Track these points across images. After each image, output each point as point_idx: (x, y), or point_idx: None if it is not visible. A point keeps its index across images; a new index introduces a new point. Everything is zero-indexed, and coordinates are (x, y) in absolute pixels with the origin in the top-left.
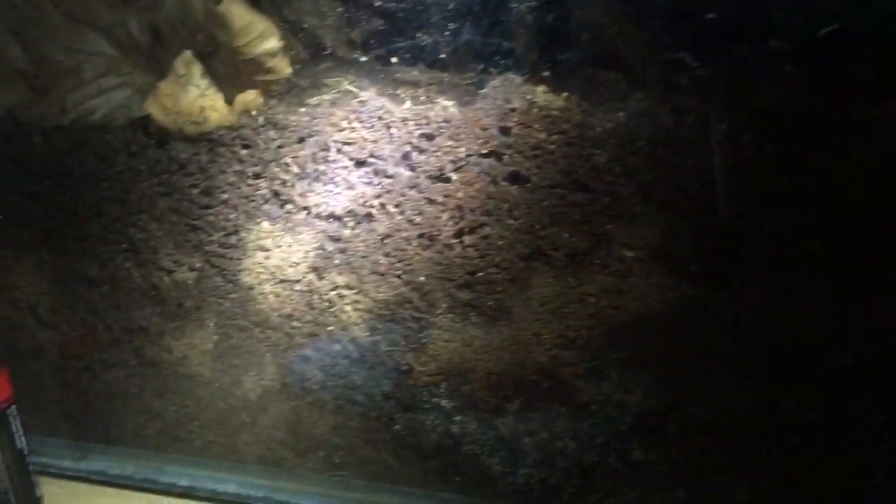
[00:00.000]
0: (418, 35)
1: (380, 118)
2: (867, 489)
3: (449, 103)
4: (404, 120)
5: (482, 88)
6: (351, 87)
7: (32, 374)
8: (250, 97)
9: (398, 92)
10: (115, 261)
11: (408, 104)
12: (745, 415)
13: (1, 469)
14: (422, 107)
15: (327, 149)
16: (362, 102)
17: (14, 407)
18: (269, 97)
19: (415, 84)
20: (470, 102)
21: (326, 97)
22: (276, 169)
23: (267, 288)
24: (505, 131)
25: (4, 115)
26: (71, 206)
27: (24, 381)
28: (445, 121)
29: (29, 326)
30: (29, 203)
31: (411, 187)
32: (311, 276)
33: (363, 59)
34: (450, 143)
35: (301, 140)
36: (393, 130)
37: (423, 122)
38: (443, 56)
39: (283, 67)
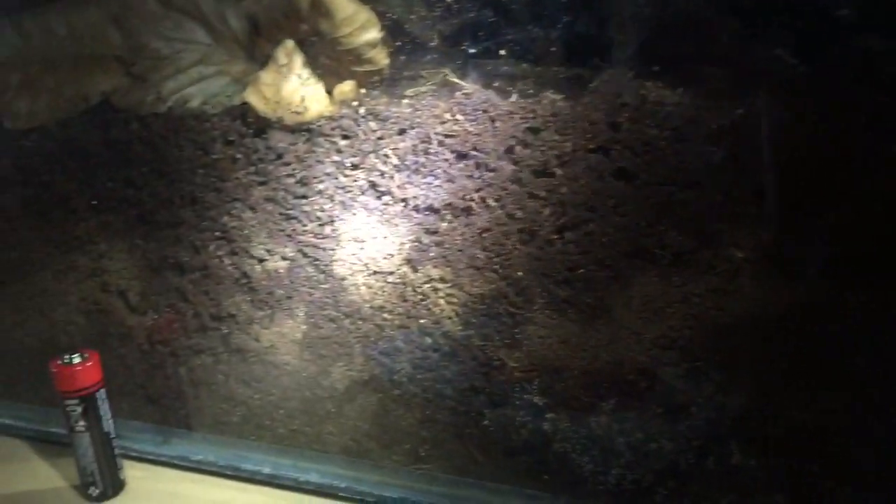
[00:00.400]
0: (527, 28)
1: (484, 111)
2: None
3: (557, 97)
4: (510, 113)
5: (591, 82)
6: (454, 79)
7: (119, 358)
8: (348, 88)
9: (504, 85)
10: (207, 248)
11: (514, 97)
12: (851, 422)
13: (89, 451)
14: (529, 100)
15: (428, 141)
16: (467, 95)
17: (103, 391)
18: (367, 88)
19: (522, 77)
20: (579, 96)
21: (423, 89)
22: (375, 160)
23: (360, 279)
24: (614, 126)
25: (102, 102)
26: (165, 193)
27: (111, 365)
28: (553, 115)
29: (118, 311)
30: (123, 189)
31: (513, 181)
32: (406, 269)
33: (468, 51)
34: (556, 137)
35: (402, 131)
36: (497, 124)
37: (530, 115)
38: (552, 49)
39: (382, 58)
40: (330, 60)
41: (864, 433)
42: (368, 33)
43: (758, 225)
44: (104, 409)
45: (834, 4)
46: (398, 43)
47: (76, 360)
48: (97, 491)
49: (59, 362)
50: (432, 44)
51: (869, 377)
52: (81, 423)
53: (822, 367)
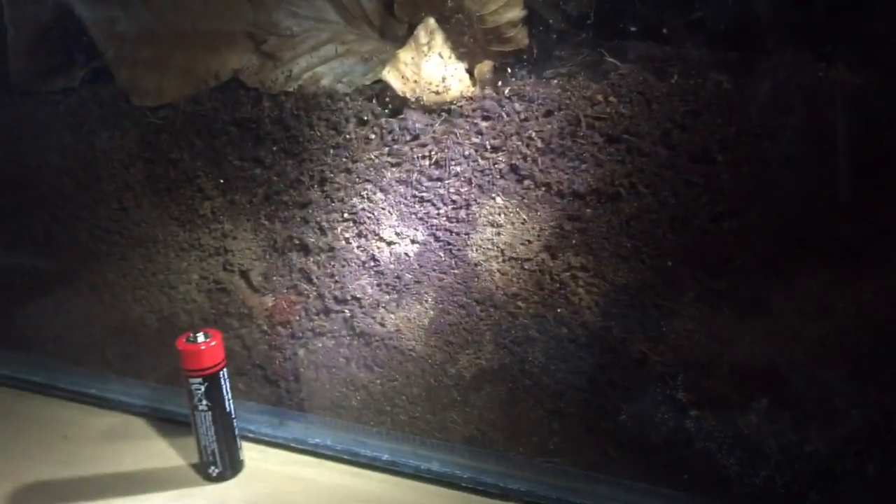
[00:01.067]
0: (693, 6)
1: (640, 93)
2: None
3: (723, 78)
4: (668, 95)
5: (762, 64)
6: (610, 59)
7: (238, 338)
8: (487, 68)
9: (664, 66)
10: (335, 230)
11: (675, 79)
12: None
13: (210, 431)
14: (691, 82)
15: (577, 123)
16: (622, 76)
17: (225, 370)
18: (509, 68)
19: (684, 59)
20: (747, 79)
21: (575, 68)
22: (518, 142)
23: (494, 265)
24: (784, 111)
25: (232, 79)
26: (294, 173)
27: (230, 345)
28: (717, 97)
29: (240, 291)
30: (251, 168)
31: (668, 167)
32: (545, 255)
33: (626, 30)
34: (719, 121)
35: (549, 113)
36: (654, 106)
37: (691, 98)
38: (721, 28)
39: (522, 38)
40: (471, 39)
41: None
42: (511, 11)
43: None
44: (226, 388)
45: None
46: (550, 21)
47: (201, 339)
48: (217, 471)
49: (185, 340)
50: (588, 22)
51: None
52: (204, 402)
53: None
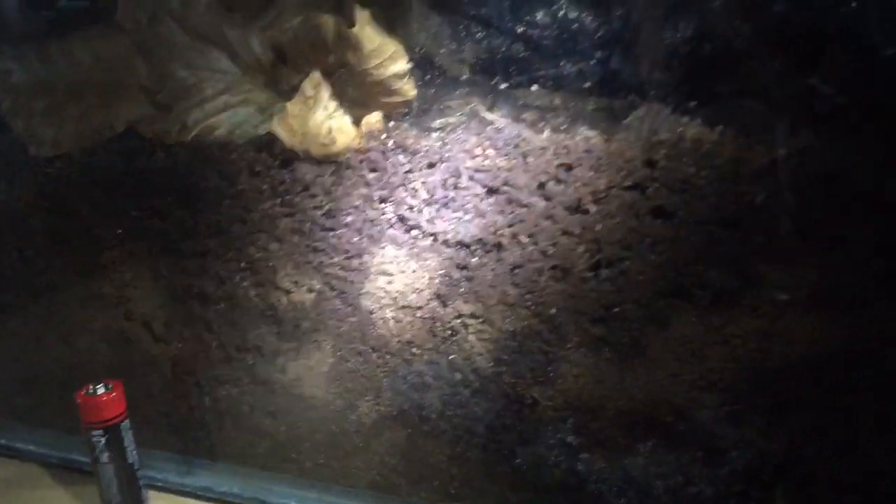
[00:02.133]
0: (560, 62)
1: (516, 146)
2: None
3: (591, 133)
4: (542, 149)
5: (626, 118)
6: (485, 114)
7: (143, 387)
8: (375, 119)
9: (536, 120)
10: (232, 279)
11: (547, 133)
12: None
13: (113, 482)
14: (562, 136)
15: (458, 175)
16: (497, 129)
17: (127, 422)
18: (394, 119)
19: (554, 112)
20: (613, 133)
21: (452, 120)
22: (404, 194)
23: (388, 313)
24: (650, 164)
25: (127, 131)
26: (190, 223)
27: (135, 394)
28: (587, 151)
29: (143, 340)
30: (148, 218)
31: (546, 218)
32: (435, 304)
33: (499, 84)
34: (590, 174)
35: (431, 165)
36: (530, 159)
37: (563, 151)
38: (586, 84)
39: (410, 90)
40: (358, 92)
41: None
42: (396, 65)
43: (802, 266)
44: (128, 439)
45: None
46: (428, 76)
47: (101, 390)
48: None
49: (84, 393)
50: (464, 77)
51: None
52: (106, 454)
53: (870, 412)
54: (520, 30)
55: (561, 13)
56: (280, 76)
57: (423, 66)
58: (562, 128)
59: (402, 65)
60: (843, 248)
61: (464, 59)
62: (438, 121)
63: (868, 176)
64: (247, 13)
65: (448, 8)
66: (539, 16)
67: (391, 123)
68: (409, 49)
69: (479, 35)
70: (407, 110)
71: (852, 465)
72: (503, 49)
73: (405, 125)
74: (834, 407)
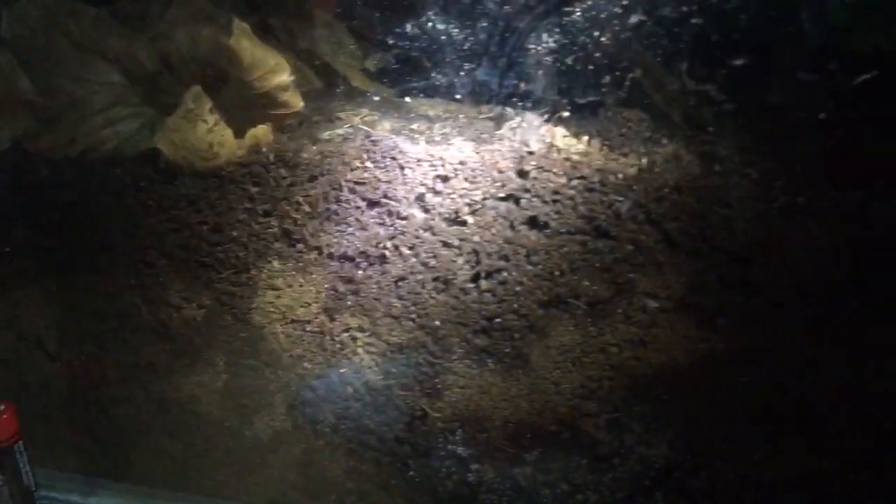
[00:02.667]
0: (434, 73)
1: (393, 158)
2: None
3: (465, 144)
4: (419, 161)
5: (500, 129)
6: (363, 126)
7: (41, 407)
8: (261, 132)
9: (413, 130)
10: (123, 296)
11: (422, 144)
12: (775, 471)
13: None
14: (437, 147)
15: (339, 188)
16: (374, 142)
17: (20, 443)
18: (282, 132)
19: (431, 121)
20: (487, 144)
21: (340, 131)
22: (287, 207)
23: (278, 328)
24: (523, 174)
25: (12, 147)
26: (79, 240)
27: (33, 414)
28: (461, 162)
29: (36, 360)
30: (37, 235)
31: (426, 229)
32: (323, 317)
33: (378, 94)
34: (466, 185)
35: (312, 178)
36: (407, 171)
37: (438, 163)
38: (458, 96)
39: (296, 101)
40: (242, 104)
41: (789, 481)
42: (279, 76)
43: (671, 274)
44: (22, 461)
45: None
46: (308, 84)
47: None
48: None
49: None
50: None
51: (789, 423)
52: None
53: (741, 417)
54: (408, 41)
55: (439, 26)
56: (169, 89)
57: (325, 76)
58: (436, 139)
59: (284, 77)
60: (707, 255)
61: (365, 69)
62: (327, 132)
63: (732, 183)
64: (135, 25)
65: (352, 19)
66: (425, 27)
67: (273, 136)
68: (312, 59)
69: (380, 46)
70: (297, 122)
71: (729, 467)
72: (399, 59)
73: (284, 139)
74: (708, 411)
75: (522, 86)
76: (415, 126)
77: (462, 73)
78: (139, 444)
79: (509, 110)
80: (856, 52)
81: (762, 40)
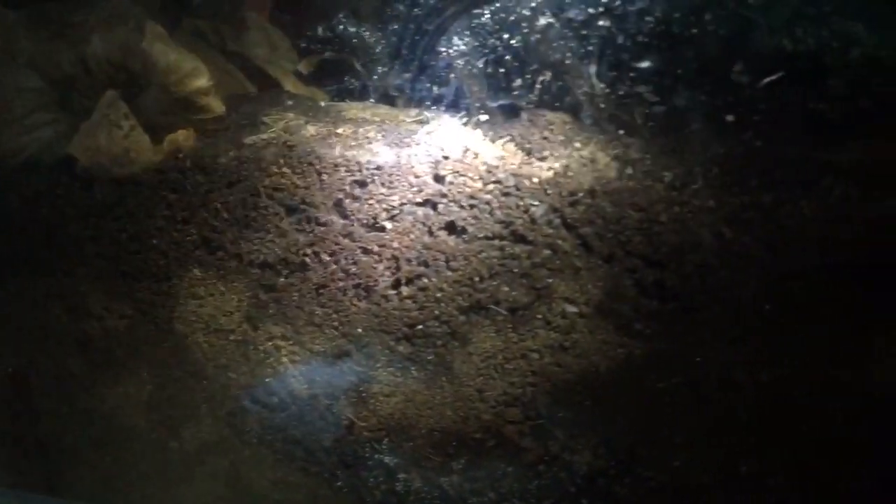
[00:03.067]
0: (366, 77)
1: (310, 164)
2: None
3: (383, 149)
4: (336, 166)
5: (416, 133)
6: (284, 132)
7: None
8: (182, 137)
9: (338, 135)
10: (45, 306)
11: (338, 149)
12: (700, 476)
13: None
14: (354, 152)
15: (257, 194)
16: (291, 147)
17: None
18: (205, 137)
19: (357, 125)
20: (404, 148)
21: (264, 136)
22: (206, 214)
23: (201, 337)
24: (439, 179)
25: None
26: None
27: None
28: (378, 167)
29: None
30: None
31: (345, 236)
32: (246, 326)
33: (311, 98)
34: (383, 190)
35: (230, 184)
36: (324, 177)
37: (355, 167)
38: (372, 100)
39: (217, 106)
40: (161, 109)
41: (715, 488)
42: (197, 81)
43: (587, 279)
44: None
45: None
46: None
47: None
48: None
49: None
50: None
51: (708, 427)
52: None
53: (664, 423)
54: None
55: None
56: (87, 94)
57: (258, 80)
58: (351, 144)
59: (203, 81)
60: (624, 259)
61: (298, 73)
62: (251, 138)
63: (647, 187)
64: (55, 29)
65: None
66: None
67: (193, 141)
68: (244, 62)
69: (313, 49)
70: (221, 127)
71: (652, 473)
72: (332, 63)
73: (202, 144)
74: (629, 417)
75: (443, 89)
76: (340, 130)
77: (391, 77)
78: (67, 457)
79: (427, 114)
80: (765, 53)
81: (676, 42)
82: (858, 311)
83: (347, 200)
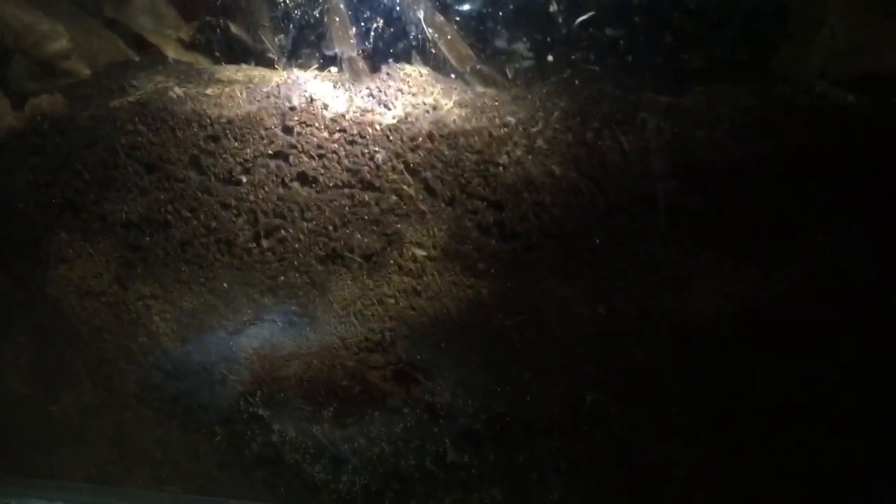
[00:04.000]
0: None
1: (163, 120)
2: (670, 484)
3: (235, 104)
4: (187, 121)
5: (265, 86)
6: (146, 93)
7: None
8: (45, 101)
9: (198, 95)
10: None
11: (189, 104)
12: (551, 409)
13: None
14: (205, 108)
15: (116, 153)
16: (142, 104)
17: None
18: (72, 101)
19: (224, 85)
20: (253, 101)
21: (131, 98)
22: (67, 176)
23: (74, 300)
24: (288, 130)
25: None
26: None
27: None
28: (228, 121)
29: None
30: None
31: (203, 191)
32: (116, 287)
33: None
34: (235, 144)
35: (88, 145)
36: (178, 133)
37: (207, 122)
38: (217, 52)
39: (80, 69)
40: (28, 76)
41: (567, 422)
42: (56, 43)
43: (433, 223)
44: None
45: None
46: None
47: None
48: None
49: None
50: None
51: (559, 363)
52: None
53: (517, 361)
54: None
55: None
56: None
57: (137, 47)
58: (202, 97)
59: (62, 43)
60: (464, 202)
61: (181, 39)
62: (117, 100)
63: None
64: None
65: None
66: None
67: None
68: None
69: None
70: (88, 91)
71: (506, 410)
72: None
73: (71, 106)
74: (482, 356)
75: (315, 51)
76: (208, 91)
77: (266, 38)
78: None
79: (270, 65)
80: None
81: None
82: (676, 241)
83: (203, 156)
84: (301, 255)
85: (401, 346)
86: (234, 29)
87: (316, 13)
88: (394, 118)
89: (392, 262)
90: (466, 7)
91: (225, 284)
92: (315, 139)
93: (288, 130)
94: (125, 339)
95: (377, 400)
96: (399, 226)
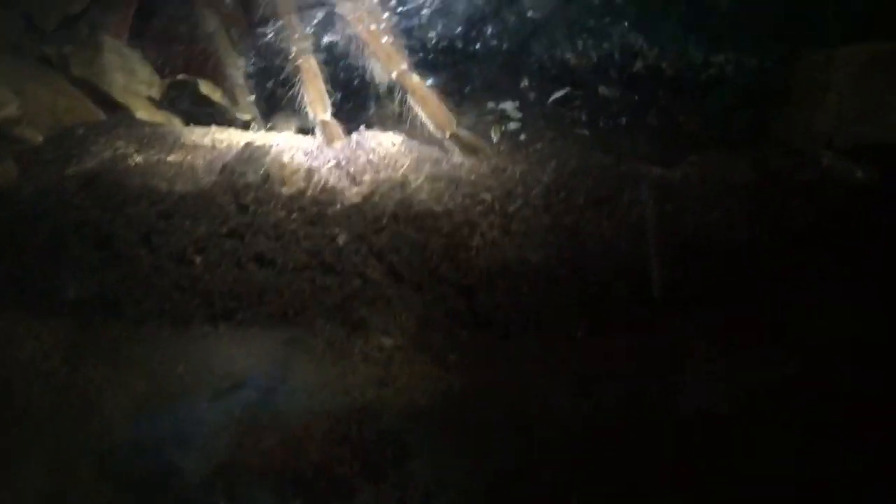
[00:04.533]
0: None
1: (112, 195)
2: None
3: (192, 177)
4: (139, 196)
5: (229, 154)
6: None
7: None
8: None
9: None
10: None
11: (142, 179)
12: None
13: None
14: (158, 182)
15: (62, 229)
16: (94, 176)
17: None
18: (26, 168)
19: (189, 151)
20: (211, 176)
21: (90, 164)
22: (14, 251)
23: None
24: (243, 209)
25: None
26: None
27: None
28: (181, 198)
29: None
30: None
31: (156, 270)
32: (66, 368)
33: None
34: (188, 222)
35: (35, 219)
36: (128, 209)
37: (158, 199)
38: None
39: (32, 135)
40: None
41: None
42: (4, 111)
43: (400, 310)
44: None
45: None
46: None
47: None
48: None
49: None
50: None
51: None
52: None
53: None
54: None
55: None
56: None
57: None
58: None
59: (10, 110)
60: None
61: (152, 98)
62: (73, 168)
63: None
64: None
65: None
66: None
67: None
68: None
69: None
70: (45, 158)
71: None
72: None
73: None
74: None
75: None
76: (170, 158)
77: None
78: None
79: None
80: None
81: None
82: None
83: (154, 235)
84: (261, 340)
85: (369, 441)
86: (203, 89)
87: (291, 74)
88: (358, 195)
89: (358, 350)
90: (451, 63)
91: (181, 369)
92: (272, 219)
93: (244, 209)
94: (77, 423)
95: (343, 496)
96: (364, 312)
